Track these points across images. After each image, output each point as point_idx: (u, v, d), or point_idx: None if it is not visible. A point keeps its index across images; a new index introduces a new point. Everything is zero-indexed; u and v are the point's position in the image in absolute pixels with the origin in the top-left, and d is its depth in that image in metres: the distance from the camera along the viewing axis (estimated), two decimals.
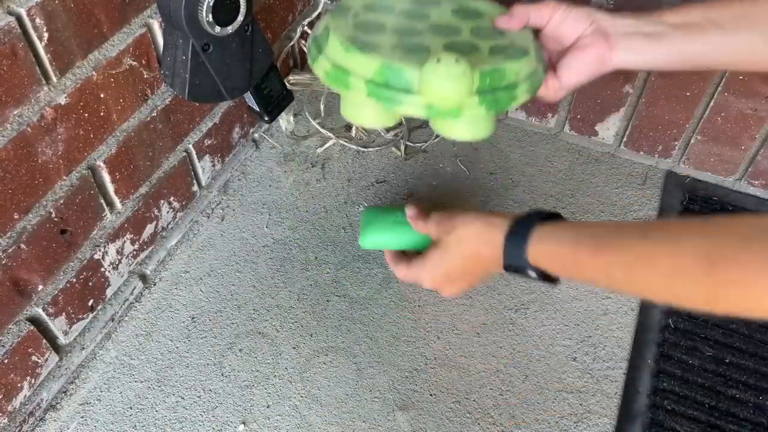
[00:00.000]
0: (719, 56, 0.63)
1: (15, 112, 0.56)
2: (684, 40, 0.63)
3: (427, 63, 0.60)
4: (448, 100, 0.61)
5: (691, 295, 0.45)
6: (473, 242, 0.62)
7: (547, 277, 0.57)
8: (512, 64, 0.64)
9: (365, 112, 0.68)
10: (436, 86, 0.60)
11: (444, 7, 0.74)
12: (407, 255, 0.71)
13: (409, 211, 0.73)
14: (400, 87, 0.63)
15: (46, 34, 0.56)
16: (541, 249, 0.55)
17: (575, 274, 0.53)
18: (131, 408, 0.72)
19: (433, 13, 0.72)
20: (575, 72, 0.66)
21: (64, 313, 0.69)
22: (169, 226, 0.84)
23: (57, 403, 0.72)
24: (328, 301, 0.82)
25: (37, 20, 0.55)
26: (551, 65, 0.68)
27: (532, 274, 0.57)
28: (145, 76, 0.70)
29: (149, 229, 0.80)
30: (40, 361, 0.68)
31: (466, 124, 0.64)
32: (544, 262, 0.55)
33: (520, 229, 0.57)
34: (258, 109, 0.83)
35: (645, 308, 0.82)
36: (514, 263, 0.58)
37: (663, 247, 0.46)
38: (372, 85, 0.63)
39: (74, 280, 0.69)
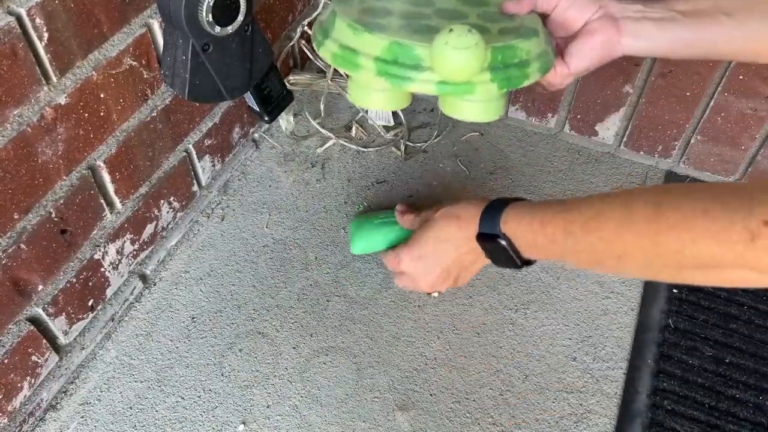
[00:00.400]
0: (728, 44, 0.62)
1: (15, 112, 0.56)
2: (693, 26, 0.62)
3: (438, 34, 0.58)
4: (461, 73, 0.59)
5: (637, 246, 0.48)
6: (450, 219, 0.66)
7: (516, 252, 0.61)
8: (523, 42, 0.63)
9: (374, 96, 0.67)
10: (449, 58, 0.58)
11: None
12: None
13: (399, 207, 0.77)
14: (410, 64, 0.61)
15: (46, 34, 0.56)
16: (512, 215, 0.60)
17: (539, 234, 0.57)
18: (131, 408, 0.72)
19: (439, 1, 0.70)
20: (583, 57, 0.65)
21: (64, 313, 0.69)
22: (169, 226, 0.84)
23: (57, 403, 0.72)
24: (328, 301, 0.82)
25: (37, 20, 0.55)
26: (559, 51, 0.67)
27: (502, 242, 0.60)
28: (145, 76, 0.70)
29: (149, 229, 0.80)
30: (40, 361, 0.68)
31: (477, 104, 0.63)
32: (512, 227, 0.60)
33: (497, 204, 0.62)
34: (258, 109, 0.83)
35: (645, 308, 0.82)
36: (487, 231, 0.62)
37: (617, 201, 0.51)
38: (381, 63, 0.62)
39: (74, 280, 0.69)
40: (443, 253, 0.68)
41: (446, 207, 0.68)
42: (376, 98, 0.67)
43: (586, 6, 0.64)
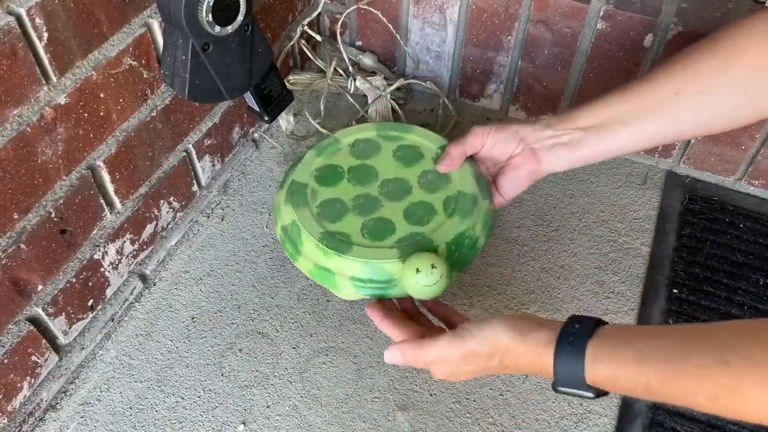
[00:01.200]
0: (633, 145, 0.70)
1: (15, 112, 0.56)
2: (598, 140, 0.69)
3: (406, 272, 0.67)
4: (433, 296, 0.68)
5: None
6: (516, 366, 0.57)
7: (601, 394, 0.53)
8: (469, 220, 0.74)
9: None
10: (421, 293, 0.67)
11: (385, 152, 0.83)
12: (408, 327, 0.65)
13: (371, 310, 0.68)
14: (384, 279, 0.71)
15: (45, 34, 0.56)
16: (601, 372, 0.51)
17: (644, 395, 0.49)
18: (131, 408, 0.72)
19: (379, 165, 0.81)
20: (514, 187, 0.76)
21: (64, 313, 0.69)
22: (169, 226, 0.84)
23: (57, 403, 0.72)
24: (328, 301, 0.82)
25: (37, 20, 0.55)
26: (491, 177, 0.78)
27: (588, 394, 0.53)
28: (145, 76, 0.70)
29: (149, 229, 0.80)
30: (39, 361, 0.68)
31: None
32: (605, 384, 0.51)
33: (571, 348, 0.52)
34: (258, 109, 0.83)
35: (645, 308, 0.82)
36: (569, 388, 0.53)
37: (750, 374, 0.44)
38: (358, 282, 0.71)
39: (74, 280, 0.69)
40: (487, 371, 0.60)
41: (503, 353, 0.56)
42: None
43: (507, 142, 0.73)
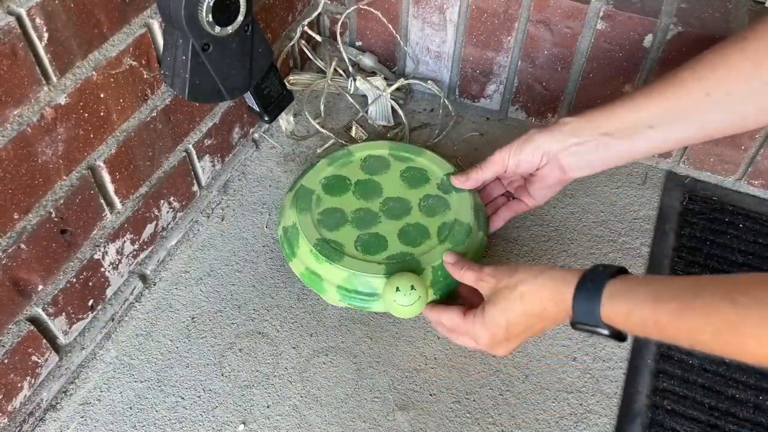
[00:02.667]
0: (661, 148, 0.71)
1: (15, 112, 0.56)
2: (625, 145, 0.69)
3: (386, 289, 0.71)
4: (410, 316, 0.72)
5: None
6: (538, 298, 0.60)
7: (616, 334, 0.55)
8: (459, 249, 0.76)
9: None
10: (399, 311, 0.71)
11: (393, 171, 0.86)
12: (450, 307, 0.69)
13: (448, 257, 0.72)
14: (368, 292, 0.74)
15: (46, 34, 0.56)
16: (616, 307, 0.53)
17: (654, 333, 0.51)
18: (131, 408, 0.72)
19: (385, 183, 0.85)
20: (544, 195, 0.78)
21: (64, 313, 0.69)
22: (169, 226, 0.84)
23: (57, 403, 0.72)
24: None
25: (37, 20, 0.55)
26: (522, 188, 0.80)
27: (604, 331, 0.55)
28: (145, 76, 0.70)
29: (149, 229, 0.80)
30: (40, 361, 0.68)
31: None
32: (619, 320, 0.54)
33: (591, 285, 0.56)
34: (258, 109, 0.83)
35: None
36: (585, 321, 0.56)
37: (754, 311, 0.45)
38: (343, 291, 0.75)
39: (74, 280, 0.69)
40: (529, 333, 0.63)
41: (524, 283, 0.61)
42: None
43: (531, 161, 0.74)
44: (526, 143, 0.73)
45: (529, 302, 0.60)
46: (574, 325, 0.57)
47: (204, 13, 0.64)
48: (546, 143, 0.72)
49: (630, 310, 0.52)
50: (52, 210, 0.63)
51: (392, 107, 1.01)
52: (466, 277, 0.69)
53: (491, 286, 0.64)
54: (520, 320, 0.62)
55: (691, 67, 0.64)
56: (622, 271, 0.56)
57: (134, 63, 0.68)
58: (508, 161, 0.75)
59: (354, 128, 1.00)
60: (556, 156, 0.72)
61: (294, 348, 0.77)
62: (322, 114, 1.02)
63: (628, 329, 0.54)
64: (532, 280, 0.60)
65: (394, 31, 1.01)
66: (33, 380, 0.68)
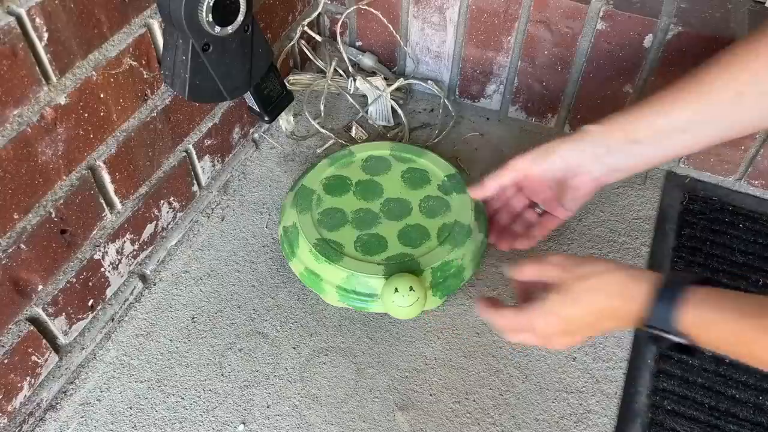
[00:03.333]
0: (692, 150, 0.70)
1: (15, 112, 0.56)
2: (656, 150, 0.67)
3: (385, 289, 0.71)
4: (408, 317, 0.73)
5: None
6: (610, 294, 0.57)
7: (686, 347, 0.53)
8: (458, 251, 0.76)
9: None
10: (397, 312, 0.72)
11: (394, 172, 0.86)
12: (503, 306, 0.65)
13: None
14: (366, 293, 0.74)
15: (46, 34, 0.56)
16: (697, 316, 0.51)
17: (736, 347, 0.50)
18: (131, 408, 0.72)
19: (385, 183, 0.84)
20: (577, 205, 0.74)
21: (64, 313, 0.69)
22: (169, 226, 0.84)
23: (57, 403, 0.72)
24: None
25: (37, 20, 0.55)
26: (551, 200, 0.74)
27: (677, 339, 0.52)
28: (145, 76, 0.70)
29: (149, 229, 0.80)
30: (40, 361, 0.68)
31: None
32: (697, 330, 0.51)
33: (672, 288, 0.53)
34: (258, 109, 0.83)
35: None
36: (659, 325, 0.53)
37: None
38: (342, 291, 0.75)
39: (74, 280, 0.69)
40: (591, 331, 0.60)
41: (598, 275, 0.58)
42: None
43: (553, 171, 0.71)
44: (549, 154, 0.70)
45: (601, 297, 0.57)
46: (647, 328, 0.53)
47: (204, 13, 0.64)
48: (571, 154, 0.69)
49: (713, 320, 0.50)
50: (52, 210, 0.63)
51: (392, 107, 1.01)
52: (526, 272, 0.64)
53: (557, 275, 0.60)
54: (583, 313, 0.58)
55: (720, 67, 0.62)
56: (702, 280, 0.53)
57: (134, 63, 0.68)
58: (529, 170, 0.71)
59: (354, 128, 1.00)
60: (585, 167, 0.69)
61: (294, 348, 0.77)
62: (322, 114, 1.02)
63: (704, 340, 0.51)
64: (608, 274, 0.57)
65: (394, 31, 1.01)
66: (33, 380, 0.68)
